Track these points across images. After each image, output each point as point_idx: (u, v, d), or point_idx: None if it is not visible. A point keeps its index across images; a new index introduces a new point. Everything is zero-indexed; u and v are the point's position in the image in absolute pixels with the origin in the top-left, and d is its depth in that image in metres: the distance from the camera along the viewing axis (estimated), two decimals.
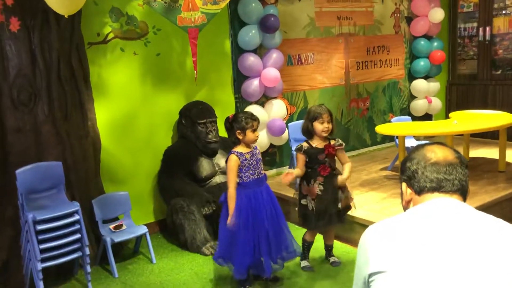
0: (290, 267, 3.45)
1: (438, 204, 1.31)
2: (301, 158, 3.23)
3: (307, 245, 3.48)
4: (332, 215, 3.26)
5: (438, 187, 1.34)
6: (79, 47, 3.75)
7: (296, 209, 3.41)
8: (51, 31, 3.45)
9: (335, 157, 3.30)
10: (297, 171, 3.23)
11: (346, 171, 3.28)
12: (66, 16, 2.91)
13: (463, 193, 1.36)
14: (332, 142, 3.26)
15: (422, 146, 1.45)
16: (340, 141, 3.30)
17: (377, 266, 1.22)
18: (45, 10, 3.24)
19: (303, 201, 3.28)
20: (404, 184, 1.44)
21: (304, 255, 3.48)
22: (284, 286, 3.26)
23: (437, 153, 1.39)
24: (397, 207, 3.79)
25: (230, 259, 3.00)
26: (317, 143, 3.24)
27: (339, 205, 3.28)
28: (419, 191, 1.38)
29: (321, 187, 3.21)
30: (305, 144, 3.25)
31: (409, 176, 1.41)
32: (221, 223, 3.09)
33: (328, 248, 3.58)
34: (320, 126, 3.18)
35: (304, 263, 3.48)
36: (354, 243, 3.90)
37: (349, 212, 3.58)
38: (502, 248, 1.19)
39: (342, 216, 3.38)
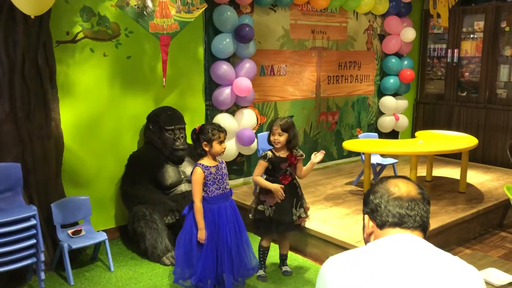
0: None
1: (399, 240, 1.32)
2: (263, 165, 3.35)
3: (262, 251, 3.54)
4: (290, 223, 3.39)
5: (400, 223, 1.36)
6: (47, 45, 3.63)
7: (250, 215, 3.45)
8: (17, 27, 3.33)
9: (296, 167, 3.44)
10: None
11: (307, 166, 3.42)
12: (32, 17, 2.81)
13: (424, 230, 1.38)
14: (294, 152, 3.39)
15: (386, 179, 1.46)
16: (301, 152, 3.45)
17: None
18: (12, 5, 3.12)
19: (260, 207, 3.38)
20: (366, 217, 1.45)
21: (261, 264, 3.52)
22: None
23: (401, 188, 1.40)
24: (359, 225, 3.82)
25: (190, 276, 2.94)
26: (280, 153, 3.37)
27: (296, 214, 3.40)
28: (381, 225, 1.39)
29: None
30: (269, 153, 3.38)
31: (372, 209, 1.42)
32: (180, 238, 3.03)
33: (283, 258, 3.65)
34: (271, 138, 3.35)
35: (260, 273, 3.51)
36: (310, 255, 3.95)
37: (309, 226, 3.73)
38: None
39: (299, 224, 3.50)
